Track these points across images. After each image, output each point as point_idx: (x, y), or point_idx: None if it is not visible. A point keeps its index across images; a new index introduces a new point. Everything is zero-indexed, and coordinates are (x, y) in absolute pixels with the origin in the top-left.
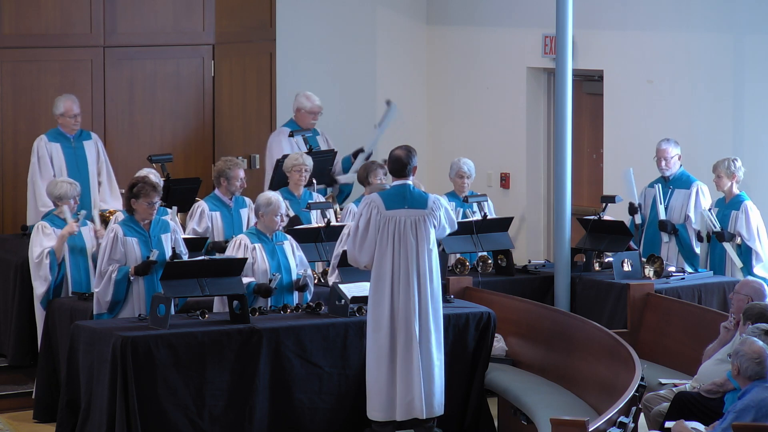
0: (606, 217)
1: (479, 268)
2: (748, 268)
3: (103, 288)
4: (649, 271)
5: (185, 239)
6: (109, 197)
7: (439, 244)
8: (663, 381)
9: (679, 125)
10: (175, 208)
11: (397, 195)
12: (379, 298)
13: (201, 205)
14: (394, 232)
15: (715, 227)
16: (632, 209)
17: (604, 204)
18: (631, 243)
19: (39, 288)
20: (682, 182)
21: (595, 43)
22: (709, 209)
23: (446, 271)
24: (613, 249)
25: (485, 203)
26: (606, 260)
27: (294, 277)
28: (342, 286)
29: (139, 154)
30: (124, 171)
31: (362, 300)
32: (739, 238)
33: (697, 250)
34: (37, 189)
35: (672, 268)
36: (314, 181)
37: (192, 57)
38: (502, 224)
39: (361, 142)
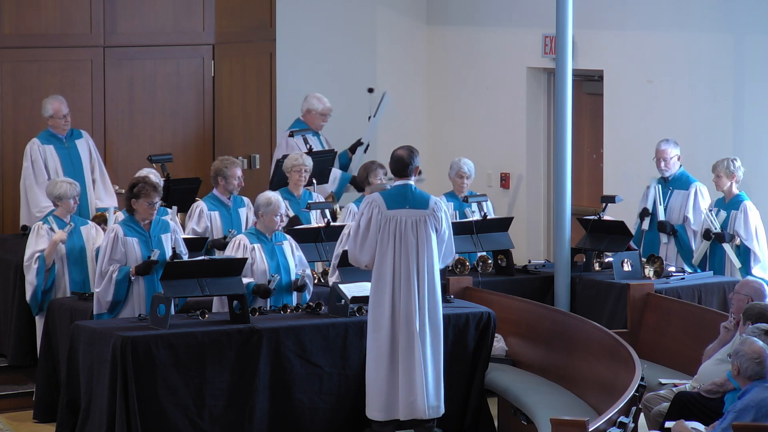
0: (606, 217)
1: (479, 268)
2: (746, 269)
3: (103, 288)
4: (649, 271)
5: (185, 239)
6: (103, 194)
7: None
8: (663, 381)
9: (679, 125)
10: (175, 208)
11: (398, 195)
12: (380, 298)
13: (200, 205)
14: (395, 231)
15: (715, 228)
16: (645, 213)
17: (604, 204)
18: (631, 243)
19: (27, 291)
20: (681, 183)
21: (595, 43)
22: (709, 209)
23: (446, 271)
24: (613, 249)
25: (485, 203)
26: (606, 260)
27: (293, 277)
28: (342, 286)
29: (139, 154)
30: (124, 171)
31: (362, 300)
32: (738, 239)
33: (693, 247)
34: (31, 193)
35: (672, 269)
36: (314, 181)
37: (192, 57)
38: (502, 224)
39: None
